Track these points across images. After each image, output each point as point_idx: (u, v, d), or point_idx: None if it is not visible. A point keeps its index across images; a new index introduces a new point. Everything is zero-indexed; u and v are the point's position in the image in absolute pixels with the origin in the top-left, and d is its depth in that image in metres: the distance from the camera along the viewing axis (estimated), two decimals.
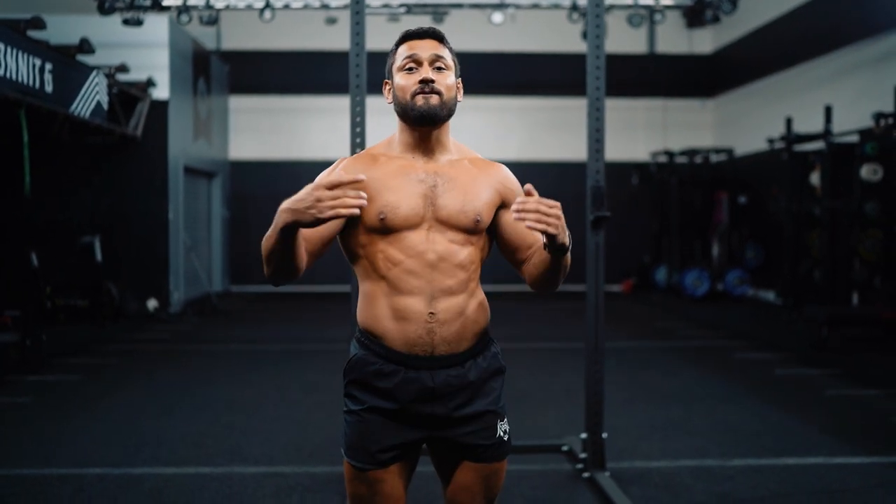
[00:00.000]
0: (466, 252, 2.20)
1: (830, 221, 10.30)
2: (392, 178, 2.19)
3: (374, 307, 2.20)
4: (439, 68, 2.20)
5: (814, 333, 8.81)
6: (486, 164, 2.30)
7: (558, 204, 1.97)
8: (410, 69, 2.20)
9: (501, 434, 2.28)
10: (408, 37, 2.24)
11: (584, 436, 4.56)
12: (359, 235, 2.21)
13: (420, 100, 2.16)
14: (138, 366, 7.99)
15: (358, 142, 4.38)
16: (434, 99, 2.16)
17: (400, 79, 2.21)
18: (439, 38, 2.23)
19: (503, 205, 2.27)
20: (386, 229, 2.16)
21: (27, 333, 7.89)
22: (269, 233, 2.01)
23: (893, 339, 8.66)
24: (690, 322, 11.15)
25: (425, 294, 2.16)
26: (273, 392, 6.80)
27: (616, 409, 6.02)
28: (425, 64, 2.19)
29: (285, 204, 1.94)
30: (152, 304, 11.40)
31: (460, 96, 2.26)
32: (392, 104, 2.24)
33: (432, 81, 2.17)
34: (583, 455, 4.56)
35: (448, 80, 2.20)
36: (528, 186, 2.00)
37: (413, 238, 2.16)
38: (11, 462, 4.83)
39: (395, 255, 2.16)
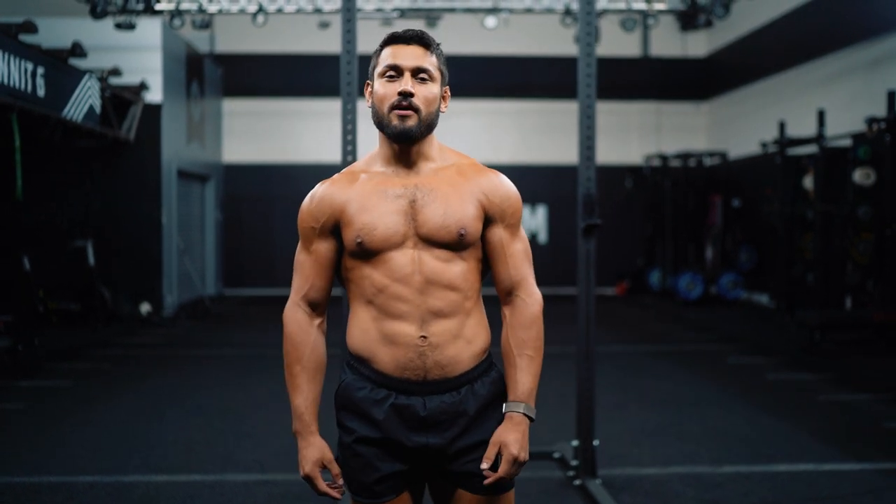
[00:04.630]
0: (458, 270, 2.05)
1: (823, 225, 10.32)
2: (368, 197, 2.05)
3: (364, 331, 2.09)
4: (422, 80, 2.04)
5: (806, 337, 8.82)
6: (475, 172, 2.11)
7: (520, 462, 2.04)
8: (391, 77, 2.04)
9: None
10: (392, 40, 2.06)
11: (575, 443, 4.57)
12: (344, 260, 2.11)
13: (395, 119, 2.02)
14: (131, 370, 7.97)
15: (349, 146, 4.38)
16: (410, 121, 2.02)
17: (379, 86, 2.05)
18: (426, 44, 2.05)
19: (487, 219, 2.09)
20: (366, 253, 2.03)
21: (19, 338, 7.86)
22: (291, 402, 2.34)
23: (886, 342, 8.68)
24: (683, 325, 11.16)
25: (415, 317, 2.03)
26: (266, 397, 6.78)
27: (608, 413, 6.02)
28: (407, 74, 2.02)
29: (300, 451, 2.28)
30: (145, 307, 11.37)
31: (445, 106, 2.10)
32: (370, 109, 2.09)
33: (411, 95, 2.01)
34: (574, 462, 4.56)
35: (430, 93, 2.04)
36: (484, 466, 2.04)
37: (398, 259, 2.03)
38: (2, 470, 4.82)
39: (380, 279, 2.04)
